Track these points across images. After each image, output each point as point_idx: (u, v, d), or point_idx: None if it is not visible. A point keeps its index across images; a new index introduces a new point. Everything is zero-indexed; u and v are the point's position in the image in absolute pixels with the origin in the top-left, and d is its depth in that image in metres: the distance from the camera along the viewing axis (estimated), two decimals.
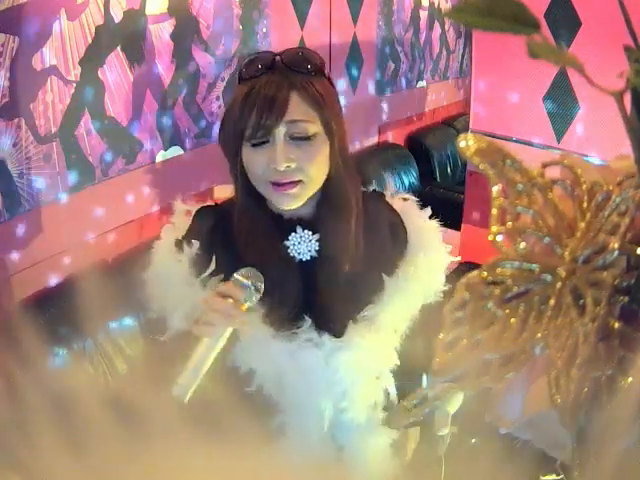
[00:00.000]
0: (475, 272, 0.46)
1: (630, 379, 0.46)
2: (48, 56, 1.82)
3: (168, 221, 1.25)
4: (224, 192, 2.65)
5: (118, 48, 2.03)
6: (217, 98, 2.48)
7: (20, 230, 1.85)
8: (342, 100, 1.24)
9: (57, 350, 1.75)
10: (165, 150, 2.31)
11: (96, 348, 1.83)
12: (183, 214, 1.24)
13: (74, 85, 1.91)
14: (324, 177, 1.15)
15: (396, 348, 1.18)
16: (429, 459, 1.20)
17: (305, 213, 1.18)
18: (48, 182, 1.90)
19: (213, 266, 1.13)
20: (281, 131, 1.09)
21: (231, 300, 1.04)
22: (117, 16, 2.01)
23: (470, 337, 0.46)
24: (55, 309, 1.78)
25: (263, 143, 1.10)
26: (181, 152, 2.37)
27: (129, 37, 2.06)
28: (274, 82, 1.10)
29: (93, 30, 1.94)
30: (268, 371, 1.14)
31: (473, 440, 0.94)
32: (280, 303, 1.13)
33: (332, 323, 1.15)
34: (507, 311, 0.46)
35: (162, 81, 2.23)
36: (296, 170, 1.10)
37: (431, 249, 1.23)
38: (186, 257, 1.16)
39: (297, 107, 1.09)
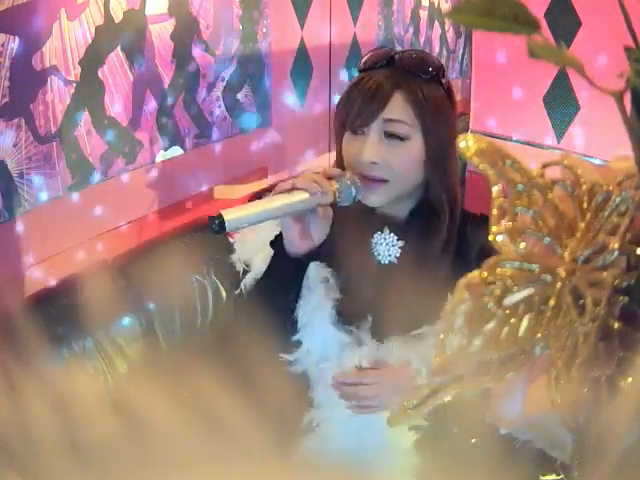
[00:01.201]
0: (475, 272, 0.46)
1: (630, 379, 0.46)
2: (48, 56, 1.82)
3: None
4: (224, 192, 2.65)
5: (118, 48, 2.03)
6: (217, 98, 2.48)
7: (20, 230, 1.85)
8: None
9: (57, 350, 1.75)
10: (165, 150, 2.31)
11: (96, 348, 1.83)
12: None
13: (74, 85, 1.91)
14: (413, 182, 1.14)
15: None
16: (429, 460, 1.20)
17: (398, 216, 1.17)
18: (48, 182, 1.90)
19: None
20: (377, 126, 1.10)
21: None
22: (117, 16, 2.01)
23: (470, 337, 0.46)
24: (55, 309, 1.77)
25: (360, 133, 1.12)
26: (181, 152, 2.37)
27: (129, 37, 2.06)
28: (383, 77, 1.11)
29: (93, 30, 1.94)
30: (313, 352, 1.14)
31: (473, 440, 0.94)
32: (348, 295, 1.13)
33: (383, 333, 1.13)
34: (507, 311, 0.46)
35: (162, 81, 2.23)
36: (382, 167, 1.10)
37: None
38: None
39: (398, 106, 1.10)
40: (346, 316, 1.13)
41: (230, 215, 0.98)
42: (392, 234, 1.17)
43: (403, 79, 1.11)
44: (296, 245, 1.08)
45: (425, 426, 1.16)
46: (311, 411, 1.15)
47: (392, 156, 1.10)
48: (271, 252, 1.11)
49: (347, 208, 1.12)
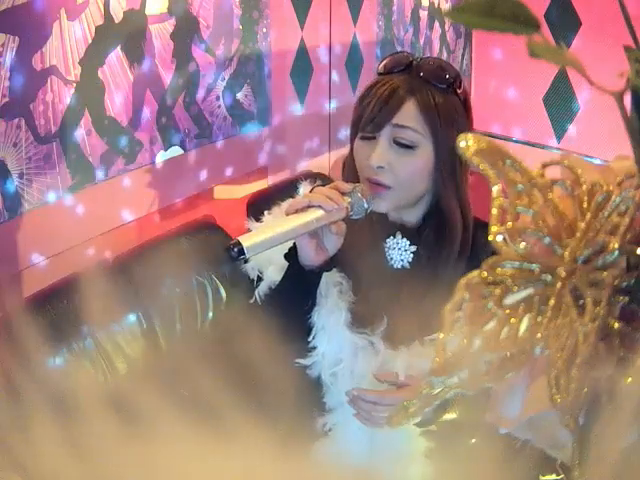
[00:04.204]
0: (475, 272, 0.46)
1: (630, 379, 0.46)
2: (48, 56, 1.82)
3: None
4: (224, 192, 2.65)
5: (118, 48, 2.03)
6: (217, 98, 2.48)
7: (20, 230, 1.85)
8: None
9: (57, 350, 1.74)
10: (165, 150, 2.31)
11: (96, 348, 1.83)
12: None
13: (74, 85, 1.91)
14: (416, 191, 1.13)
15: None
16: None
17: (410, 221, 1.17)
18: (48, 182, 1.90)
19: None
20: (387, 131, 1.09)
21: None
22: (117, 16, 2.01)
23: (470, 337, 0.46)
24: (55, 309, 1.78)
25: (371, 138, 1.11)
26: (181, 152, 2.37)
27: (129, 37, 2.06)
28: (399, 82, 1.10)
29: (93, 30, 1.94)
30: (328, 356, 1.13)
31: (473, 440, 0.94)
32: (362, 299, 1.13)
33: (396, 338, 1.13)
34: (507, 311, 0.46)
35: (162, 81, 2.23)
36: (388, 173, 1.09)
37: None
38: None
39: (409, 113, 1.09)
40: (360, 319, 1.13)
41: (248, 241, 0.97)
42: (405, 239, 1.16)
43: (418, 86, 1.10)
44: (311, 259, 1.07)
45: (436, 433, 1.16)
46: (325, 415, 1.15)
47: (399, 163, 1.09)
48: (284, 263, 1.11)
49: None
